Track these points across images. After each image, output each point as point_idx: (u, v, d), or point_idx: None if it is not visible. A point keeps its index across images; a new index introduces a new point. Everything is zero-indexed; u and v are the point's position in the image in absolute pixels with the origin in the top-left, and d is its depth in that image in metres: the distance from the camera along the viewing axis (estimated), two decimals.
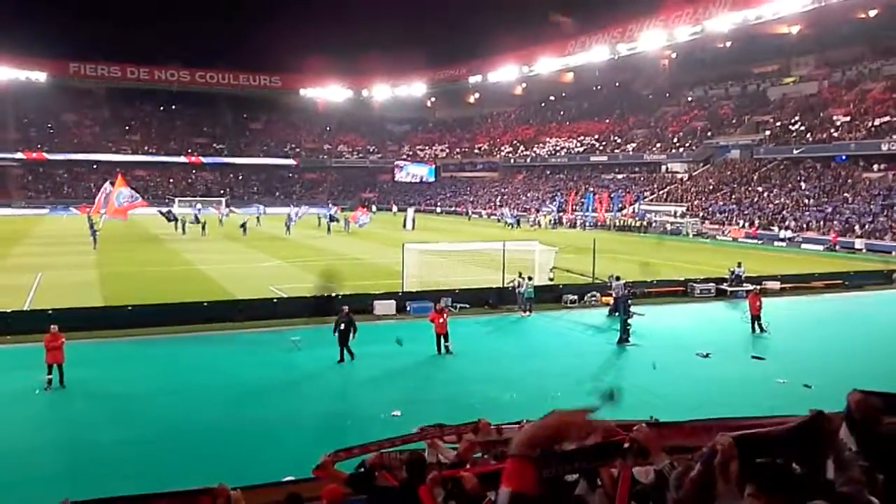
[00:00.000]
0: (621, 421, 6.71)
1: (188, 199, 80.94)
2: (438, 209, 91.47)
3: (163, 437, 13.20)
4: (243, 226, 53.62)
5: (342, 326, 18.53)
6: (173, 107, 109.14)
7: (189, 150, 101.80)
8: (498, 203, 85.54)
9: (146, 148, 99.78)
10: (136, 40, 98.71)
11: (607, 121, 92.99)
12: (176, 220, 54.06)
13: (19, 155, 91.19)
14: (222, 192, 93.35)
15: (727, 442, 2.85)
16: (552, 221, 69.33)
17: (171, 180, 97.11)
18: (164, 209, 58.38)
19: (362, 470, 6.62)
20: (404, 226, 60.36)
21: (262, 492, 7.75)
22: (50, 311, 20.46)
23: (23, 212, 78.43)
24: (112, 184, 47.83)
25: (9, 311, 21.77)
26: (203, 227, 53.32)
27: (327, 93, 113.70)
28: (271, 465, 10.67)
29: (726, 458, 2.78)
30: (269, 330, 21.89)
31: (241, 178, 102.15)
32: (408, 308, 24.86)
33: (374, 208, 77.12)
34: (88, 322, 20.71)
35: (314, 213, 67.28)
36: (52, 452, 12.67)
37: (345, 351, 18.45)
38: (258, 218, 63.40)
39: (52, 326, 16.32)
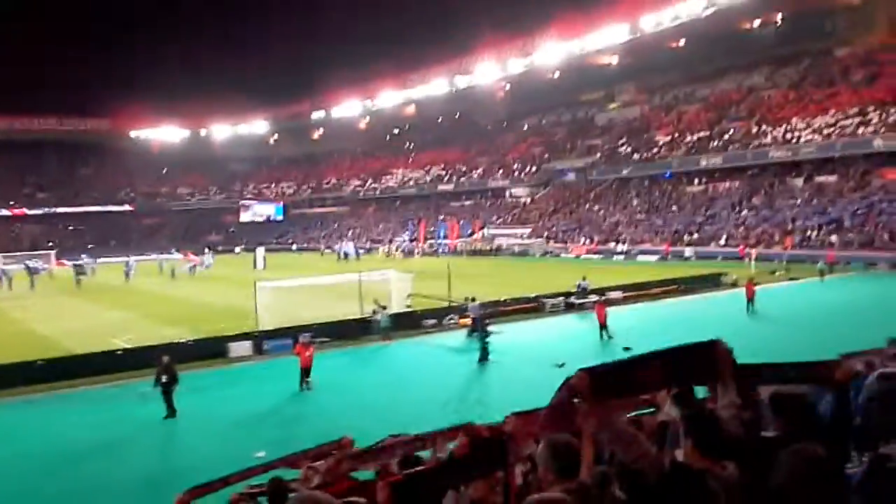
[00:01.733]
0: (488, 423, 6.85)
1: (13, 254, 74.33)
2: (294, 246, 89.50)
3: None
4: (77, 278, 50.22)
5: (163, 378, 17.11)
6: None
7: (11, 203, 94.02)
8: (341, 236, 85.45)
9: None
10: None
11: (451, 151, 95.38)
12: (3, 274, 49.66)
13: None
14: (50, 244, 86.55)
15: (583, 377, 3.07)
16: (404, 251, 69.91)
17: None
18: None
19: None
20: (255, 265, 58.65)
21: None
22: None
23: None
24: None
25: None
26: (32, 282, 49.34)
27: (161, 133, 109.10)
28: None
29: (580, 387, 3.01)
30: (113, 384, 20.50)
31: (71, 228, 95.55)
32: (265, 347, 24.14)
33: (207, 251, 73.13)
34: None
35: (154, 260, 64.09)
36: None
37: (171, 404, 17.07)
38: (92, 269, 59.13)
39: None
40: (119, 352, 23.27)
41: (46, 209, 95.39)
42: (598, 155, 74.42)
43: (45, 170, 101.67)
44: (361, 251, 70.28)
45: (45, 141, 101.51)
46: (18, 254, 73.45)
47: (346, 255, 66.15)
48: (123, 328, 29.21)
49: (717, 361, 3.75)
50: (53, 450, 15.08)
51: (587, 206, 69.77)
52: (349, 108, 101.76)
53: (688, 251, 52.35)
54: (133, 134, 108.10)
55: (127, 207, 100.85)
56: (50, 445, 15.38)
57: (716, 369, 3.76)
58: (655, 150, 68.22)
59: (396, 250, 69.82)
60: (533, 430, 4.39)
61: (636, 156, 69.22)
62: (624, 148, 72.04)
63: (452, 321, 27.80)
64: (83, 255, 65.74)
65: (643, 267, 47.29)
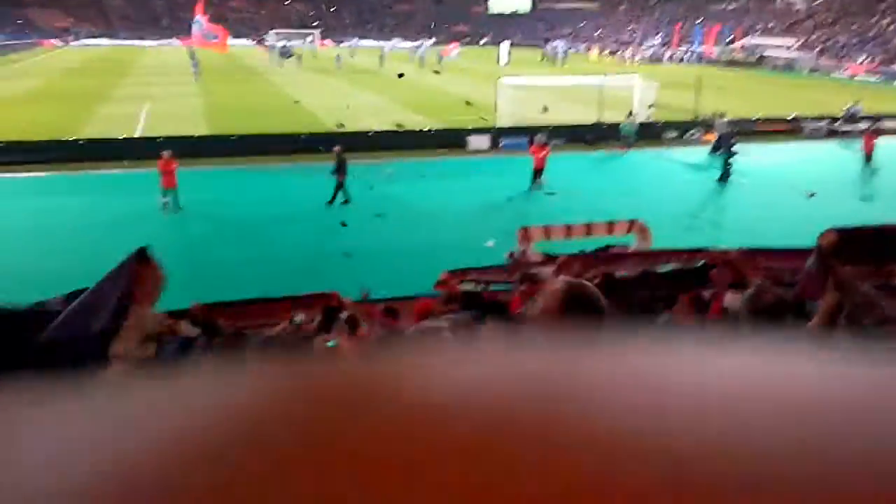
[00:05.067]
0: (714, 249, 6.75)
1: (283, 31, 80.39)
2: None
3: (279, 257, 14.03)
4: (337, 58, 53.62)
5: (336, 166, 17.80)
6: None
7: None
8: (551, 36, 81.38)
9: None
10: None
11: None
12: (289, 55, 54.81)
13: None
14: (315, 24, 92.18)
15: (831, 234, 2.92)
16: (651, 56, 65.74)
17: (264, 11, 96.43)
18: (279, 46, 58.91)
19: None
20: (498, 61, 58.54)
21: (367, 306, 8.32)
22: (160, 139, 21.44)
23: (126, 42, 79.97)
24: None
25: (121, 137, 22.96)
26: (299, 59, 53.45)
27: None
28: (378, 284, 11.26)
29: (831, 245, 2.87)
30: (362, 163, 22.31)
31: (333, 9, 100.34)
32: (501, 143, 24.74)
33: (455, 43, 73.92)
34: (196, 150, 21.62)
35: (405, 48, 66.16)
36: (178, 267, 13.68)
37: (338, 192, 17.81)
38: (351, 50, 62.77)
39: (164, 152, 17.12)
40: (370, 133, 25.05)
41: None
42: None
43: None
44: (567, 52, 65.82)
45: None
46: (288, 31, 79.22)
47: (555, 55, 63.25)
48: (374, 111, 31.19)
49: None
50: (324, 214, 17.18)
51: (876, 17, 60.16)
52: None
53: None
54: None
55: None
56: (321, 210, 17.52)
57: None
58: None
59: (634, 57, 65.49)
60: (761, 266, 4.27)
61: None
62: None
63: (696, 136, 26.42)
64: (346, 39, 68.91)
65: None
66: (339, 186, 17.89)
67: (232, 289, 11.84)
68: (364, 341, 5.94)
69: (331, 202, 17.86)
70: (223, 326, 5.97)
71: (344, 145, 23.33)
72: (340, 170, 17.83)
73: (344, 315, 6.75)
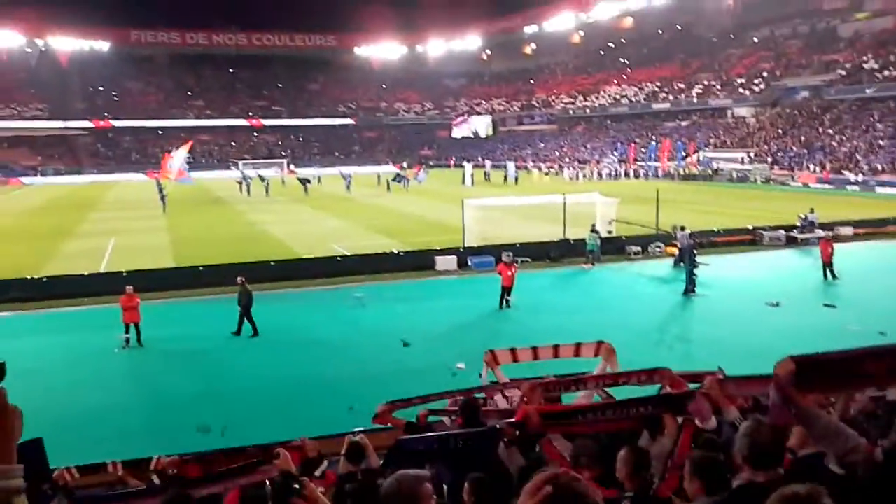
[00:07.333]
0: (689, 371, 6.67)
1: (251, 161, 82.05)
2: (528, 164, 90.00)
3: (238, 390, 13.67)
4: (304, 186, 54.54)
5: (241, 298, 17.51)
6: (232, 71, 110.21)
7: (250, 114, 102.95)
8: (483, 155, 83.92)
9: (208, 113, 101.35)
10: (194, 6, 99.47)
11: (669, 66, 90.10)
12: (244, 180, 56.00)
13: (87, 123, 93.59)
14: (283, 153, 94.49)
15: (788, 364, 2.88)
16: (606, 174, 67.69)
17: (234, 143, 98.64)
18: (244, 174, 60.30)
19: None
20: (463, 181, 60.04)
21: (331, 442, 8.00)
22: (125, 273, 21.24)
23: (93, 178, 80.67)
24: (177, 148, 47.58)
25: (86, 273, 22.72)
26: (266, 188, 54.21)
27: (382, 50, 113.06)
28: (340, 417, 10.94)
29: (783, 376, 2.82)
30: (332, 287, 22.28)
31: (300, 139, 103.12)
32: (469, 263, 24.94)
33: (404, 165, 76.09)
34: (161, 283, 21.44)
35: (374, 172, 67.68)
36: (134, 407, 13.23)
37: (244, 322, 17.43)
38: (319, 178, 64.16)
39: (127, 287, 16.92)
40: (339, 258, 25.17)
41: (279, 121, 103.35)
42: (838, 72, 66.71)
43: (278, 84, 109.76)
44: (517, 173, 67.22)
45: (278, 57, 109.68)
46: (256, 161, 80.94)
47: (505, 174, 65.28)
48: (342, 235, 31.46)
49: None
50: (290, 343, 16.91)
51: (820, 129, 63.37)
52: (562, 21, 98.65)
53: None
54: (356, 50, 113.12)
55: (349, 121, 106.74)
56: (286, 339, 17.25)
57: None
58: None
59: (578, 176, 66.95)
60: (736, 398, 4.22)
61: (884, 73, 61.26)
62: (869, 64, 63.95)
63: (658, 249, 26.94)
64: (313, 166, 70.52)
65: (882, 201, 42.45)
66: (244, 316, 17.43)
67: (188, 430, 11.43)
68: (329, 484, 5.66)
69: (237, 333, 17.33)
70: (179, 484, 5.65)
71: (315, 270, 23.55)
72: (241, 300, 17.45)
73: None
